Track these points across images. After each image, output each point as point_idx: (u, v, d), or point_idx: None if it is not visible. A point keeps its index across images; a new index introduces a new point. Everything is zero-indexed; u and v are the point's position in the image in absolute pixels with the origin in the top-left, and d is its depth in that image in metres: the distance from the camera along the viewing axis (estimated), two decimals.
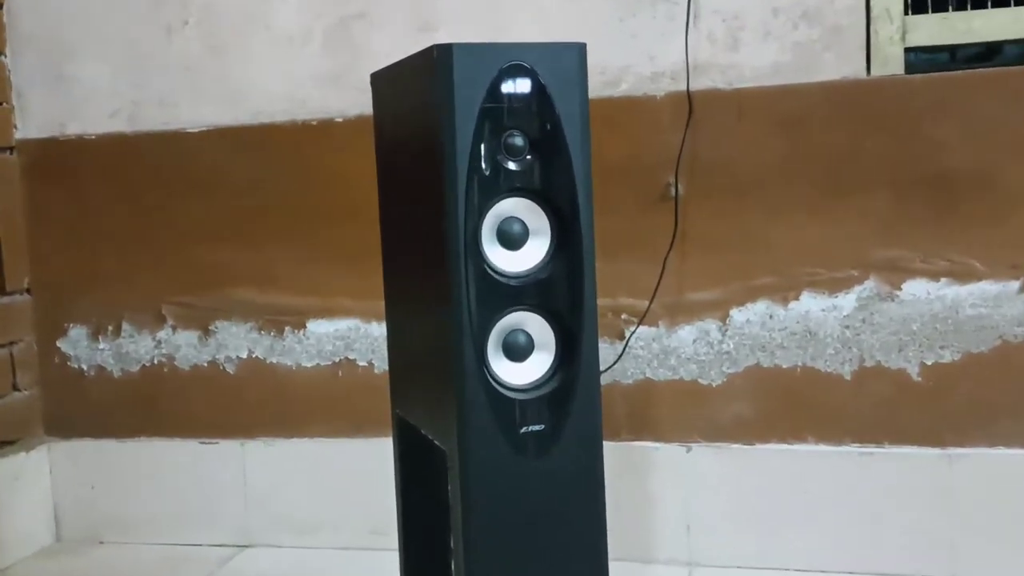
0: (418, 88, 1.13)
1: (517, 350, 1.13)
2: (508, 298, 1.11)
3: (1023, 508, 1.68)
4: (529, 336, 1.13)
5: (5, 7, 2.01)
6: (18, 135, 2.04)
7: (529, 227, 1.12)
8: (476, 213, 1.09)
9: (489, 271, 1.10)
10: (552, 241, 1.13)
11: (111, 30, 1.98)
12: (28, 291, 2.07)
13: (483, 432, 1.11)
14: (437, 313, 1.13)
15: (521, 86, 1.09)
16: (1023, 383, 1.67)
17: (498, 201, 1.10)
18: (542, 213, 1.12)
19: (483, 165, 1.08)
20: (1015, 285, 1.66)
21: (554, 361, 1.14)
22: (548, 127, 1.10)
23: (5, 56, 2.02)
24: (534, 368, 1.14)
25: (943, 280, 1.69)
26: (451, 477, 1.14)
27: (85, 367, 2.06)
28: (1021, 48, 1.71)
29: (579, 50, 1.11)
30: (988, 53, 1.73)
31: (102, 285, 2.04)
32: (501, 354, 1.12)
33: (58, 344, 2.07)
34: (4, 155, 2.02)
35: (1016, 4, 1.67)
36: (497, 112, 1.08)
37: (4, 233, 2.00)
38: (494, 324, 1.11)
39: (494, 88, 1.08)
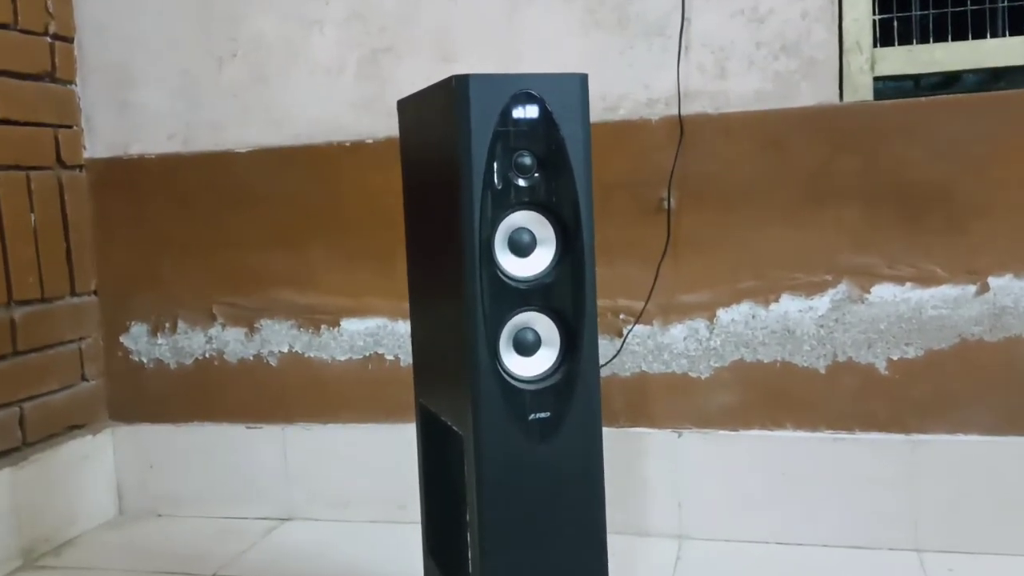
0: (439, 113, 1.13)
1: (526, 346, 1.12)
2: (518, 300, 1.11)
3: (979, 488, 1.66)
4: (536, 334, 1.13)
5: (76, 41, 2.02)
6: (87, 155, 2.05)
7: (537, 237, 1.12)
8: (490, 224, 1.09)
9: (501, 276, 1.10)
10: (557, 249, 1.12)
11: (168, 61, 1.98)
12: (95, 293, 2.07)
13: (495, 419, 1.11)
14: (455, 313, 1.13)
15: (530, 111, 1.08)
16: (979, 377, 1.65)
17: (509, 213, 1.10)
18: (548, 224, 1.12)
19: (496, 181, 1.08)
20: (972, 289, 1.65)
21: (559, 356, 1.13)
22: (554, 148, 1.10)
23: (76, 85, 2.03)
24: (541, 362, 1.13)
25: (908, 284, 1.67)
26: (467, 458, 1.13)
27: (145, 360, 2.07)
28: (978, 76, 1.69)
29: (581, 80, 1.10)
30: (948, 81, 1.72)
31: (160, 287, 2.04)
32: (511, 349, 1.12)
33: (121, 340, 2.07)
34: (74, 172, 2.02)
35: (974, 38, 1.65)
36: (508, 135, 1.08)
37: (74, 242, 2.01)
38: (505, 323, 1.11)
39: (506, 113, 1.07)
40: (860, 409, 1.71)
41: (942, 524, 1.68)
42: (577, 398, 1.13)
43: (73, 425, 2.00)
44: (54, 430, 1.95)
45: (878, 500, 1.71)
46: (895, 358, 1.69)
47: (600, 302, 1.72)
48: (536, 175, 1.10)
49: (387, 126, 1.86)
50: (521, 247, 1.11)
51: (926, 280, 1.66)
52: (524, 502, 1.13)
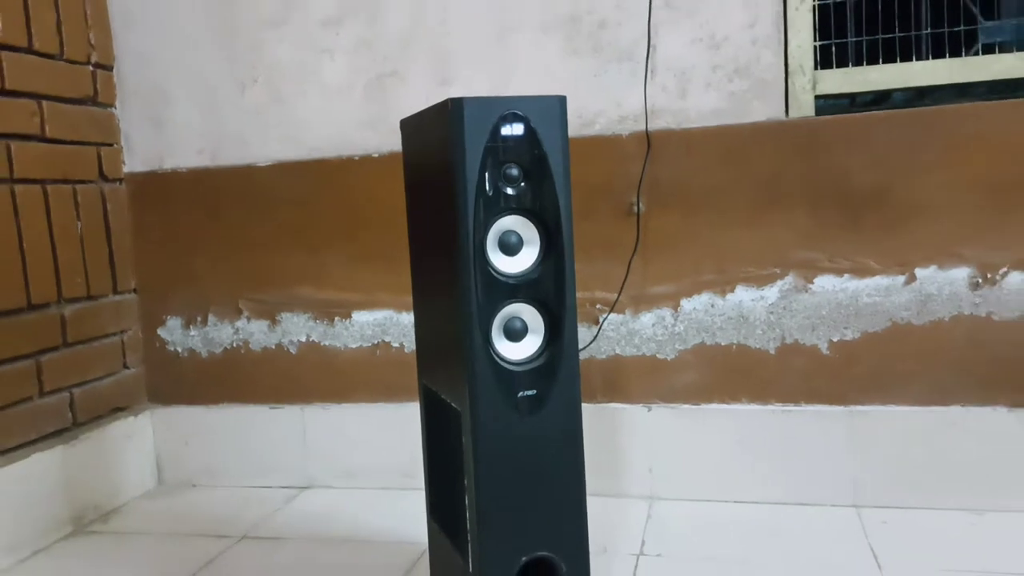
0: (437, 131, 1.13)
1: (514, 333, 1.13)
2: (507, 293, 1.12)
3: (910, 452, 1.68)
4: (524, 322, 1.13)
5: (115, 68, 2.02)
6: (126, 169, 2.04)
7: (523, 238, 1.12)
8: (482, 227, 1.09)
9: (492, 272, 1.11)
10: (541, 249, 1.13)
11: (198, 85, 1.98)
12: (135, 291, 2.07)
13: (488, 396, 1.11)
14: (453, 305, 1.13)
15: (516, 129, 1.09)
16: (908, 355, 1.67)
17: (499, 218, 1.10)
18: (533, 227, 1.12)
19: (487, 190, 1.09)
20: (901, 279, 1.66)
21: (543, 341, 1.14)
22: (537, 161, 1.10)
23: (115, 107, 2.02)
24: (528, 347, 1.14)
25: (846, 276, 1.69)
26: (464, 432, 1.14)
27: (179, 349, 2.07)
28: (906, 94, 1.70)
29: (561, 101, 1.11)
30: (880, 98, 1.73)
31: (192, 285, 2.04)
32: (502, 336, 1.13)
33: (158, 332, 2.07)
34: (115, 185, 2.02)
35: (902, 60, 1.67)
36: (498, 149, 1.08)
37: (115, 246, 2.01)
38: (496, 313, 1.12)
39: (495, 131, 1.08)
40: (806, 385, 1.73)
41: (877, 483, 1.70)
42: (560, 378, 1.14)
43: (117, 408, 2.01)
44: (100, 412, 1.95)
45: (822, 464, 1.73)
46: (835, 340, 1.71)
47: (579, 294, 1.74)
48: (522, 184, 1.10)
49: (391, 142, 1.87)
50: (510, 247, 1.12)
51: (862, 272, 1.68)
52: (514, 469, 1.14)
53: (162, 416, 2.08)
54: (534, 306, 1.13)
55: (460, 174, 1.07)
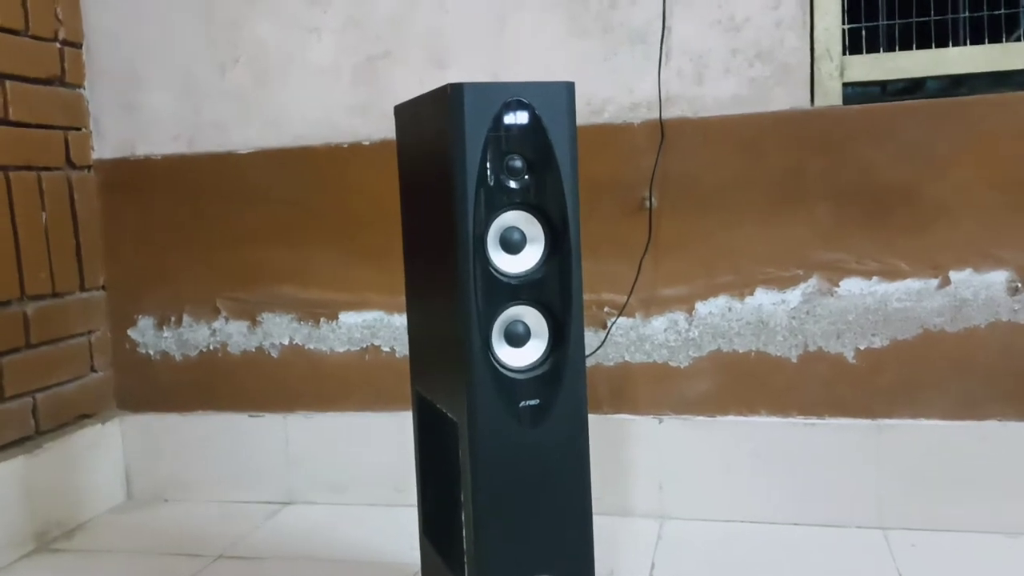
0: (435, 119, 1.14)
1: (516, 338, 1.14)
2: (509, 294, 1.13)
3: (940, 469, 1.69)
4: (526, 326, 1.14)
5: (84, 46, 2.02)
6: (95, 156, 2.05)
7: (527, 235, 1.13)
8: (482, 223, 1.10)
9: (493, 272, 1.12)
10: (546, 247, 1.14)
11: (174, 66, 1.99)
12: (103, 288, 2.08)
13: (488, 406, 1.12)
14: (450, 307, 1.14)
15: (520, 118, 1.10)
16: (941, 364, 1.68)
17: (501, 213, 1.11)
18: (537, 224, 1.13)
19: (488, 183, 1.10)
20: (934, 283, 1.67)
21: (547, 347, 1.15)
22: (542, 152, 1.11)
23: (84, 88, 2.03)
24: (530, 353, 1.15)
25: (874, 278, 1.70)
26: (461, 443, 1.15)
27: (151, 352, 2.07)
28: (940, 83, 1.71)
29: (568, 88, 1.12)
30: (913, 87, 1.73)
31: (166, 283, 2.04)
32: (503, 341, 1.14)
33: (129, 333, 2.08)
34: (83, 173, 2.02)
35: (936, 46, 1.68)
36: (500, 139, 1.09)
37: (83, 239, 2.01)
38: (497, 316, 1.12)
39: (498, 120, 1.09)
40: (829, 396, 1.73)
41: (906, 503, 1.71)
42: (564, 387, 1.15)
43: (83, 414, 2.01)
44: (65, 419, 1.96)
45: (846, 481, 1.73)
46: (862, 348, 1.71)
47: (585, 296, 1.74)
48: (526, 177, 1.11)
49: (382, 128, 1.88)
50: (512, 245, 1.12)
51: (891, 274, 1.69)
52: (515, 485, 1.15)
53: (132, 424, 2.09)
54: (538, 309, 1.14)
55: (459, 165, 1.08)
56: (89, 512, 1.98)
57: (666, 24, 1.74)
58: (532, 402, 1.14)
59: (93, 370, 2.05)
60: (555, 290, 1.14)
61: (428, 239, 1.24)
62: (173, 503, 2.05)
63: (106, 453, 2.05)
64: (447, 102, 1.08)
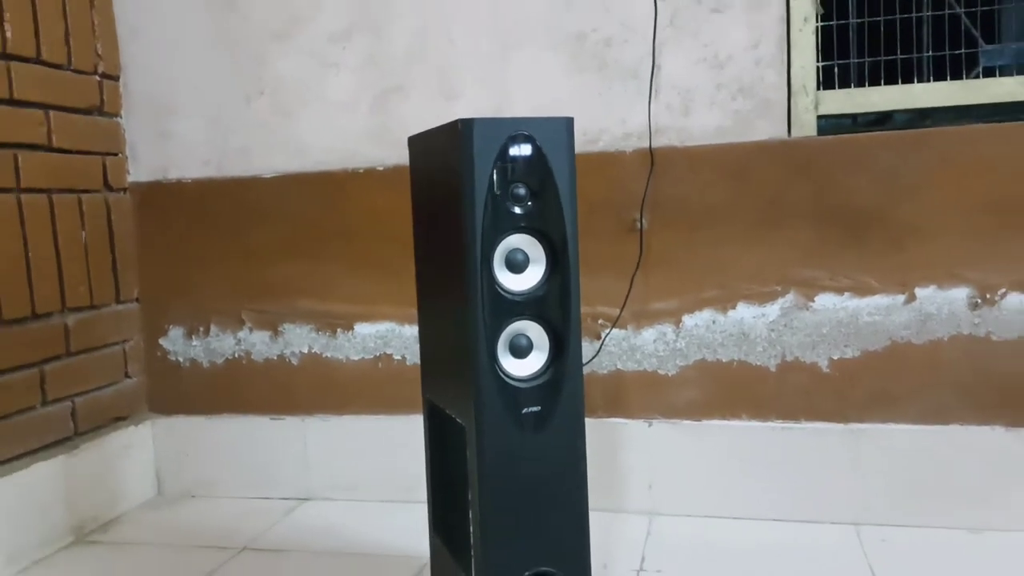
0: (446, 150, 1.16)
1: (520, 350, 1.15)
2: (513, 310, 1.14)
3: (908, 470, 1.70)
4: (529, 339, 1.15)
5: (121, 79, 2.04)
6: (130, 179, 2.06)
7: (529, 256, 1.14)
8: (489, 245, 1.11)
9: (499, 289, 1.13)
10: (547, 267, 1.15)
11: (203, 97, 2.01)
12: (137, 300, 2.09)
13: (493, 412, 1.13)
14: (459, 320, 1.15)
15: (524, 150, 1.11)
16: (908, 374, 1.69)
17: (506, 236, 1.12)
18: (539, 246, 1.14)
19: (495, 208, 1.11)
20: (901, 298, 1.69)
21: (548, 358, 1.16)
22: (544, 181, 1.13)
23: (121, 117, 2.05)
24: (533, 363, 1.16)
25: (847, 294, 1.71)
26: (469, 447, 1.16)
27: (181, 359, 2.09)
28: (907, 115, 1.74)
29: (568, 123, 1.13)
30: (882, 119, 1.76)
31: (195, 295, 2.06)
32: (508, 353, 1.15)
33: (160, 342, 2.09)
34: (119, 195, 2.04)
35: (903, 82, 1.70)
36: (506, 169, 1.11)
37: (119, 256, 2.03)
38: (502, 330, 1.14)
39: (504, 151, 1.10)
40: (806, 402, 1.75)
41: (876, 501, 1.72)
42: (564, 394, 1.16)
43: (118, 417, 2.02)
44: (101, 422, 1.97)
45: (822, 481, 1.74)
46: (836, 358, 1.73)
47: (582, 309, 1.76)
48: (529, 203, 1.13)
49: (395, 155, 1.90)
50: (516, 265, 1.14)
51: (862, 291, 1.70)
52: (517, 485, 1.16)
53: (163, 426, 2.10)
54: (539, 323, 1.15)
55: (469, 192, 1.10)
56: (123, 507, 1.99)
57: (656, 62, 1.76)
58: (534, 409, 1.15)
59: (127, 376, 2.06)
60: (555, 306, 1.15)
61: (439, 258, 1.25)
62: (200, 499, 2.06)
63: (138, 453, 2.06)
64: (458, 135, 1.10)
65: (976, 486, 1.67)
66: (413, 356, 1.94)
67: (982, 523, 1.67)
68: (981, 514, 1.67)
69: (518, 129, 1.11)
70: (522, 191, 1.12)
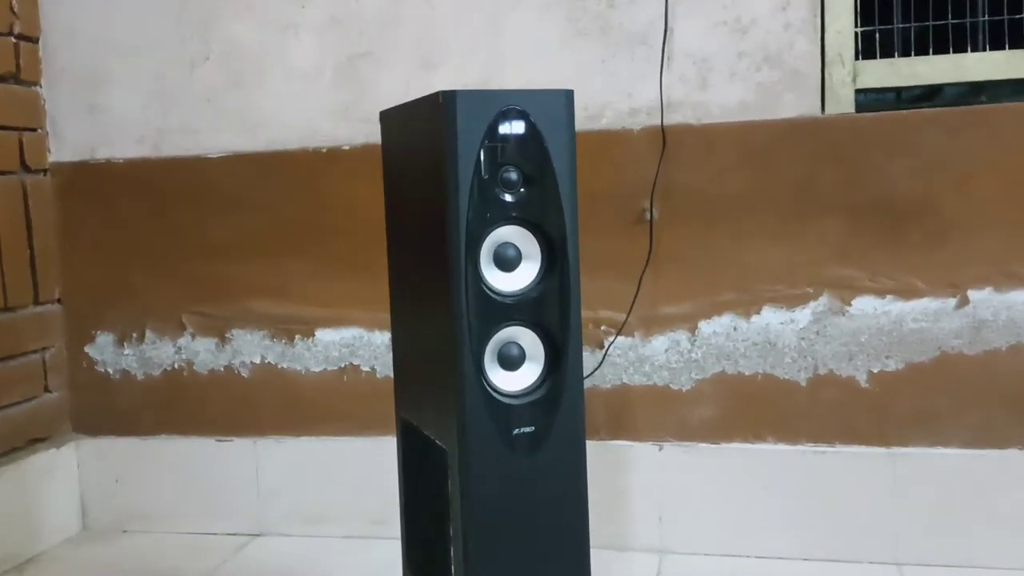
0: (425, 127, 1.16)
1: (510, 361, 1.15)
2: (503, 314, 1.14)
3: (958, 501, 1.71)
4: (521, 348, 1.16)
5: (40, 42, 2.03)
6: (51, 159, 2.05)
7: (522, 251, 1.15)
8: (475, 238, 1.12)
9: (486, 290, 1.13)
10: (542, 264, 1.15)
11: (139, 64, 2.00)
12: (59, 301, 2.08)
13: (480, 433, 1.14)
14: (440, 327, 1.16)
15: (516, 128, 1.12)
16: (959, 389, 1.71)
17: (495, 228, 1.13)
18: (534, 239, 1.15)
19: (482, 196, 1.11)
20: (952, 302, 1.70)
21: (543, 370, 1.17)
22: (540, 164, 1.13)
23: (40, 86, 2.04)
24: (525, 376, 1.16)
25: (888, 297, 1.72)
26: (451, 473, 1.16)
27: (111, 371, 2.08)
28: (959, 90, 1.75)
29: (567, 96, 1.14)
30: (930, 94, 1.77)
31: (127, 296, 2.05)
32: (496, 364, 1.15)
33: (86, 350, 2.08)
34: (38, 176, 2.03)
35: (955, 51, 1.71)
36: (495, 150, 1.11)
37: (38, 248, 2.02)
38: (490, 337, 1.14)
39: (492, 129, 1.10)
40: (841, 422, 1.76)
41: (922, 538, 1.73)
42: (561, 413, 1.16)
43: (35, 438, 2.01)
44: (16, 443, 1.96)
45: (859, 514, 1.75)
46: (876, 371, 1.74)
47: (582, 314, 1.76)
48: (522, 190, 1.13)
49: (365, 133, 1.90)
50: (506, 262, 1.14)
51: (907, 293, 1.72)
52: (508, 516, 1.16)
53: (89, 449, 2.09)
54: (533, 330, 1.16)
55: (451, 177, 1.10)
56: (42, 544, 1.98)
57: (668, 25, 1.76)
58: (527, 429, 1.15)
59: (47, 390, 2.05)
60: (552, 310, 1.16)
61: (416, 254, 1.26)
62: (133, 534, 2.05)
63: (61, 480, 2.05)
64: (439, 110, 1.10)
65: None
66: (384, 367, 1.94)
67: None
68: None
69: (509, 103, 1.11)
70: (514, 176, 1.12)
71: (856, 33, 1.73)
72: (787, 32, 1.74)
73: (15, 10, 1.97)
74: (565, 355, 1.16)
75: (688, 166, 1.77)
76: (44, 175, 2.05)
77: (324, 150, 1.93)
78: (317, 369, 1.98)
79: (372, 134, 1.87)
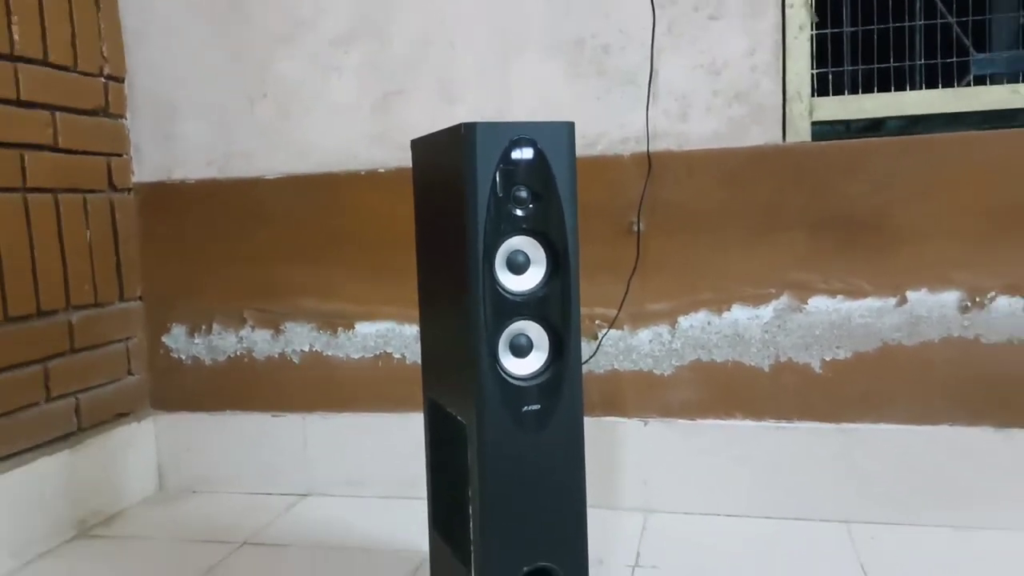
0: (449, 153, 1.16)
1: (520, 349, 1.16)
2: (514, 310, 1.15)
3: (899, 470, 1.72)
4: (529, 339, 1.16)
5: (126, 80, 2.05)
6: (135, 179, 2.07)
7: (531, 258, 1.15)
8: (491, 246, 1.12)
9: (500, 290, 1.14)
10: (547, 268, 1.16)
11: (207, 99, 2.01)
12: (140, 298, 2.09)
13: (494, 410, 1.14)
14: (461, 320, 1.16)
15: (526, 154, 1.12)
16: (899, 375, 1.71)
17: (508, 238, 1.14)
18: (540, 247, 1.15)
19: (497, 211, 1.12)
20: (893, 301, 1.70)
21: (548, 358, 1.17)
22: (546, 184, 1.14)
23: (126, 119, 2.05)
24: (533, 363, 1.17)
25: (839, 297, 1.72)
26: (470, 444, 1.17)
27: (184, 357, 2.09)
28: (899, 122, 1.75)
29: (569, 127, 1.14)
30: (875, 125, 1.77)
31: (197, 294, 2.06)
32: (508, 352, 1.16)
33: (163, 339, 2.09)
34: (124, 195, 2.04)
35: (896, 90, 1.71)
36: (508, 173, 1.12)
37: (123, 255, 2.03)
38: (503, 329, 1.15)
39: (506, 155, 1.11)
40: (799, 402, 1.76)
41: (867, 499, 1.73)
42: (563, 393, 1.17)
43: (120, 413, 2.02)
44: (104, 418, 1.97)
45: (813, 479, 1.76)
46: (828, 359, 1.74)
47: (580, 310, 1.77)
48: (531, 206, 1.13)
49: (396, 158, 1.90)
50: (517, 266, 1.15)
51: (855, 293, 1.72)
52: (517, 482, 1.17)
53: (164, 422, 2.10)
54: (540, 323, 1.16)
55: (471, 195, 1.11)
56: (125, 502, 2.00)
57: (654, 67, 1.77)
58: (534, 407, 1.16)
59: (130, 373, 2.06)
60: (555, 307, 1.16)
61: (441, 259, 1.26)
62: (201, 495, 2.07)
63: (141, 449, 2.06)
64: (461, 139, 1.10)
65: (965, 486, 1.69)
66: (413, 355, 1.94)
67: (971, 522, 1.69)
68: (969, 513, 1.69)
69: (520, 133, 1.12)
70: (524, 194, 1.13)
71: (812, 74, 1.73)
72: (754, 73, 1.74)
73: (104, 54, 1.98)
74: (566, 345, 1.16)
75: (670, 186, 1.77)
76: (128, 193, 2.06)
77: (363, 172, 1.93)
78: (356, 356, 1.98)
79: (402, 159, 1.89)
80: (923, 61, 1.71)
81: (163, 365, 2.10)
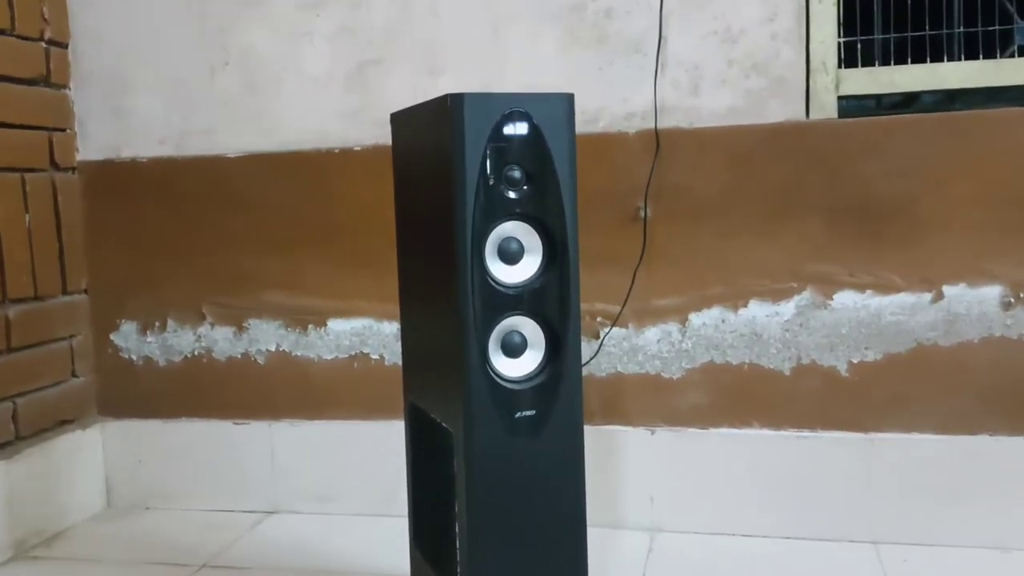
0: (433, 128, 1.16)
1: (513, 348, 1.15)
2: (506, 305, 1.14)
3: (932, 484, 1.72)
4: (523, 336, 1.16)
5: (70, 47, 2.03)
6: (79, 157, 2.05)
7: (525, 246, 1.15)
8: (481, 233, 1.12)
9: (491, 282, 1.13)
10: (544, 258, 1.15)
11: (162, 69, 2.00)
12: (86, 291, 2.08)
13: (484, 416, 1.14)
14: (447, 316, 1.16)
15: (520, 129, 1.12)
16: (933, 379, 1.71)
17: (499, 224, 1.13)
18: (535, 234, 1.15)
19: (487, 193, 1.11)
20: (928, 297, 1.70)
21: (544, 358, 1.17)
22: (542, 163, 1.13)
23: (69, 89, 2.04)
24: (527, 363, 1.17)
25: (868, 292, 1.73)
26: (456, 454, 1.17)
27: (134, 357, 2.08)
28: (935, 97, 1.75)
29: (568, 99, 1.14)
30: (907, 101, 1.77)
31: (150, 287, 2.05)
32: (500, 351, 1.15)
33: (111, 337, 2.08)
34: (67, 174, 2.03)
35: (931, 61, 1.72)
36: (500, 150, 1.11)
37: (67, 242, 2.02)
38: (494, 326, 1.14)
39: (497, 130, 1.11)
40: (822, 409, 1.76)
41: (898, 517, 1.73)
42: (560, 398, 1.17)
43: (63, 420, 2.01)
44: (45, 425, 1.96)
45: (838, 495, 1.76)
46: (855, 361, 1.74)
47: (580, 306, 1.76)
48: (525, 188, 1.13)
49: (374, 135, 1.89)
50: (510, 255, 1.14)
51: (885, 288, 1.72)
52: (510, 495, 1.16)
53: (113, 431, 2.09)
54: (535, 319, 1.16)
55: (458, 175, 1.10)
56: (69, 520, 1.98)
57: (662, 34, 1.76)
58: (528, 413, 1.16)
59: (74, 375, 2.05)
60: (553, 301, 1.16)
61: (424, 248, 1.26)
62: (155, 511, 2.05)
63: (87, 460, 2.05)
64: (447, 112, 1.10)
65: (1006, 501, 1.69)
66: (392, 355, 1.94)
67: (1012, 542, 1.69)
68: (1011, 532, 1.69)
69: (513, 106, 1.11)
70: (517, 174, 1.12)
71: (839, 43, 1.73)
72: (774, 42, 1.74)
73: (46, 16, 1.97)
74: (564, 343, 1.16)
75: (680, 167, 1.77)
76: (72, 173, 2.04)
77: (336, 151, 1.93)
78: (329, 357, 1.98)
79: (380, 136, 1.88)
80: (962, 29, 1.71)
81: (111, 366, 2.08)
